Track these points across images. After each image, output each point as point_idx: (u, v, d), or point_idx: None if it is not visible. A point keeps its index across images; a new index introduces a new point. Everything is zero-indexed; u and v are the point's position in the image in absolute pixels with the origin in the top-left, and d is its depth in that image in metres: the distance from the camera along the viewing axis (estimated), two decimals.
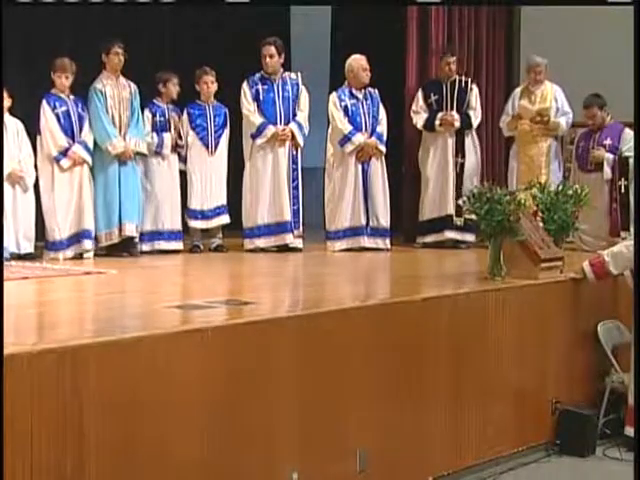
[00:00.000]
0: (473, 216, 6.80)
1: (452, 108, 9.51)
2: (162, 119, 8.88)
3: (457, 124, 9.46)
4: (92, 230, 8.37)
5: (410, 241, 9.68)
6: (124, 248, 8.51)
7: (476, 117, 9.58)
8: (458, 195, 9.31)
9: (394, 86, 9.92)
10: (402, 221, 9.95)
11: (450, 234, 9.50)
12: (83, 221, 8.32)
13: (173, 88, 8.93)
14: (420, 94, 9.66)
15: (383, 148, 9.20)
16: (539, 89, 9.65)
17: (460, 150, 9.54)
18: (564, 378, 6.93)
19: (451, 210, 9.47)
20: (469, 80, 9.69)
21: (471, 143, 9.63)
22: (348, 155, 9.09)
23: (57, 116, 8.29)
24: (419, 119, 9.60)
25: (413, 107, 9.66)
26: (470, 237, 9.41)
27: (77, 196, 8.32)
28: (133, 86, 8.66)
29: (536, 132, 9.58)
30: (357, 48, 9.39)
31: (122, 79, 8.62)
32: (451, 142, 9.54)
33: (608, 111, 9.21)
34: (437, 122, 9.48)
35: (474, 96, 9.61)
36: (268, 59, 9.02)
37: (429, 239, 9.56)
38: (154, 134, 8.77)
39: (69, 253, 8.24)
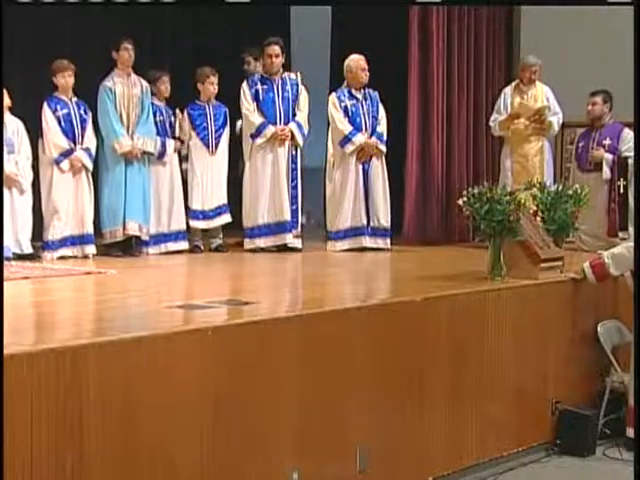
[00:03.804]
0: None
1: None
2: (162, 118, 8.88)
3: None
4: (92, 234, 8.39)
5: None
6: (128, 247, 8.52)
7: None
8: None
9: (394, 86, 9.92)
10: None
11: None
12: (84, 225, 8.33)
13: (163, 87, 8.88)
14: None
15: (383, 148, 9.21)
16: (531, 89, 9.66)
17: None
18: (564, 378, 6.93)
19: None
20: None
21: None
22: (348, 155, 9.09)
23: (58, 119, 8.28)
24: None
25: None
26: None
27: (74, 200, 8.32)
28: (145, 84, 8.65)
29: (531, 131, 9.59)
30: (357, 48, 9.38)
31: (134, 76, 8.61)
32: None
33: (611, 109, 9.21)
34: None
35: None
36: (274, 59, 9.01)
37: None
38: (157, 138, 8.75)
39: (61, 254, 8.23)
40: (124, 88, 8.53)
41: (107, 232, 8.49)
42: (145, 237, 8.62)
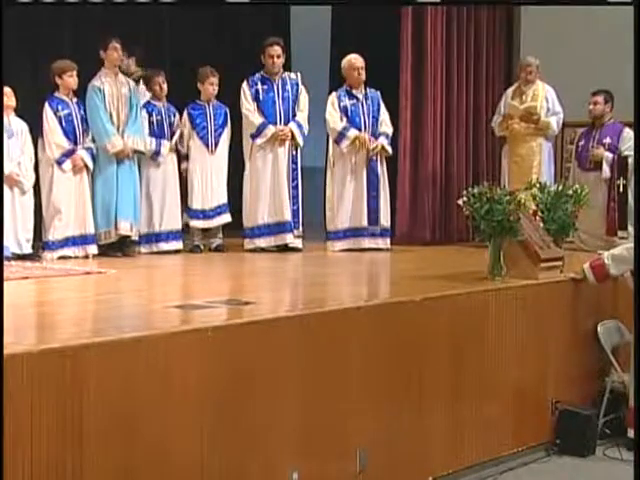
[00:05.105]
0: None
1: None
2: (159, 117, 8.86)
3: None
4: (94, 234, 8.39)
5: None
6: (122, 248, 8.51)
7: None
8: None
9: (394, 86, 9.90)
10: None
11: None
12: (86, 226, 8.33)
13: (157, 87, 8.84)
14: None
15: (389, 149, 9.19)
16: (530, 89, 9.66)
17: None
18: (564, 378, 6.93)
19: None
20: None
21: None
22: (348, 155, 9.08)
23: (59, 119, 8.28)
24: None
25: None
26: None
27: (75, 200, 8.31)
28: (132, 83, 8.65)
29: (526, 131, 9.59)
30: (357, 48, 9.37)
31: (121, 76, 8.60)
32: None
33: (612, 109, 9.21)
34: None
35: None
36: (276, 59, 9.00)
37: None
38: (152, 139, 8.75)
39: (62, 254, 8.22)
40: (112, 88, 8.52)
41: (101, 233, 8.47)
42: (135, 237, 8.60)
